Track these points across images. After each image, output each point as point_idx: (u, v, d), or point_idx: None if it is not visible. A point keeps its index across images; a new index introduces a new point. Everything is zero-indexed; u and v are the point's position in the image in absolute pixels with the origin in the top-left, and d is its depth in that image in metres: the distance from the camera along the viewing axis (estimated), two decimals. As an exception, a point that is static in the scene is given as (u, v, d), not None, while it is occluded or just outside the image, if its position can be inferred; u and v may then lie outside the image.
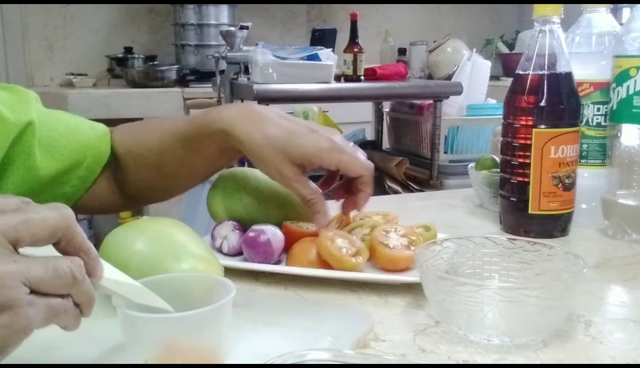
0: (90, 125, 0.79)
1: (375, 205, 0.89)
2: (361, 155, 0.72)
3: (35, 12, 3.18)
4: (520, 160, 0.83)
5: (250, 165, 0.76)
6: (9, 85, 0.73)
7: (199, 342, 0.45)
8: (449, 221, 0.94)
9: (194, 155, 0.75)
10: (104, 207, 0.82)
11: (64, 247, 0.40)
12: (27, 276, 0.37)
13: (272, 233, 0.69)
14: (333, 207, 0.82)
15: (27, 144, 0.70)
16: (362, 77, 2.21)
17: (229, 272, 0.54)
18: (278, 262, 0.71)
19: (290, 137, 0.68)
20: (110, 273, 0.44)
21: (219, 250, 0.73)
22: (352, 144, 0.72)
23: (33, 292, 0.37)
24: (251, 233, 0.69)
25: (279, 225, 0.73)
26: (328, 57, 2.09)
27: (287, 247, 0.71)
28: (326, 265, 0.67)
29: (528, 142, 0.81)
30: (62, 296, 0.39)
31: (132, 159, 0.79)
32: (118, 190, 0.81)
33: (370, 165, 0.72)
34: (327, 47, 2.19)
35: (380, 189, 2.22)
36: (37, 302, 0.37)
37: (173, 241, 0.57)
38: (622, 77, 0.82)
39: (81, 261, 0.40)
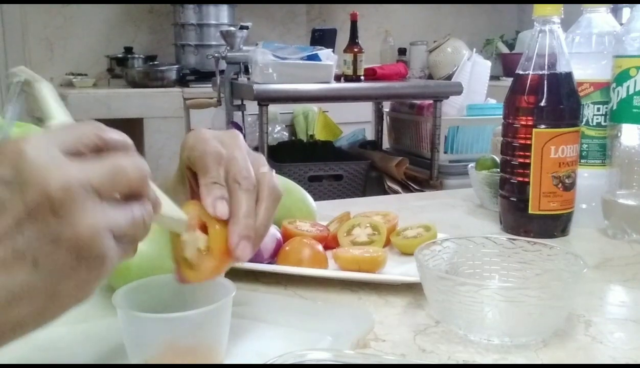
0: None
1: (375, 205, 0.89)
2: None
3: (35, 12, 3.18)
4: (520, 160, 0.83)
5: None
6: None
7: (199, 342, 0.45)
8: (449, 221, 0.94)
9: None
10: None
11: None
12: (113, 227, 0.36)
13: None
14: (333, 207, 0.82)
15: None
16: (362, 77, 2.21)
17: (229, 272, 0.53)
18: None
19: None
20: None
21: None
22: None
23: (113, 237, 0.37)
24: None
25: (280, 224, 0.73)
26: (328, 57, 2.09)
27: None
28: (316, 264, 0.67)
29: (528, 142, 0.81)
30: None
31: None
32: None
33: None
34: (327, 47, 2.19)
35: (380, 189, 2.22)
36: (116, 248, 0.37)
37: (173, 241, 0.57)
38: (622, 77, 0.82)
39: (151, 207, 0.40)
